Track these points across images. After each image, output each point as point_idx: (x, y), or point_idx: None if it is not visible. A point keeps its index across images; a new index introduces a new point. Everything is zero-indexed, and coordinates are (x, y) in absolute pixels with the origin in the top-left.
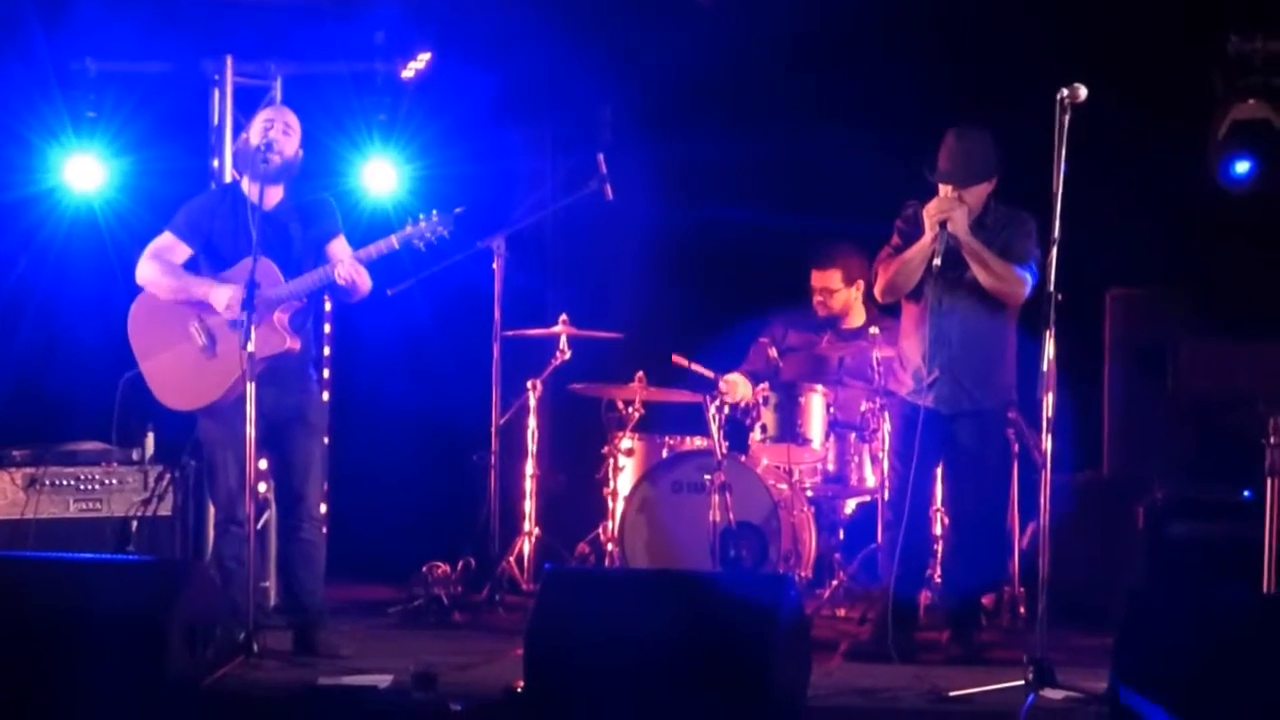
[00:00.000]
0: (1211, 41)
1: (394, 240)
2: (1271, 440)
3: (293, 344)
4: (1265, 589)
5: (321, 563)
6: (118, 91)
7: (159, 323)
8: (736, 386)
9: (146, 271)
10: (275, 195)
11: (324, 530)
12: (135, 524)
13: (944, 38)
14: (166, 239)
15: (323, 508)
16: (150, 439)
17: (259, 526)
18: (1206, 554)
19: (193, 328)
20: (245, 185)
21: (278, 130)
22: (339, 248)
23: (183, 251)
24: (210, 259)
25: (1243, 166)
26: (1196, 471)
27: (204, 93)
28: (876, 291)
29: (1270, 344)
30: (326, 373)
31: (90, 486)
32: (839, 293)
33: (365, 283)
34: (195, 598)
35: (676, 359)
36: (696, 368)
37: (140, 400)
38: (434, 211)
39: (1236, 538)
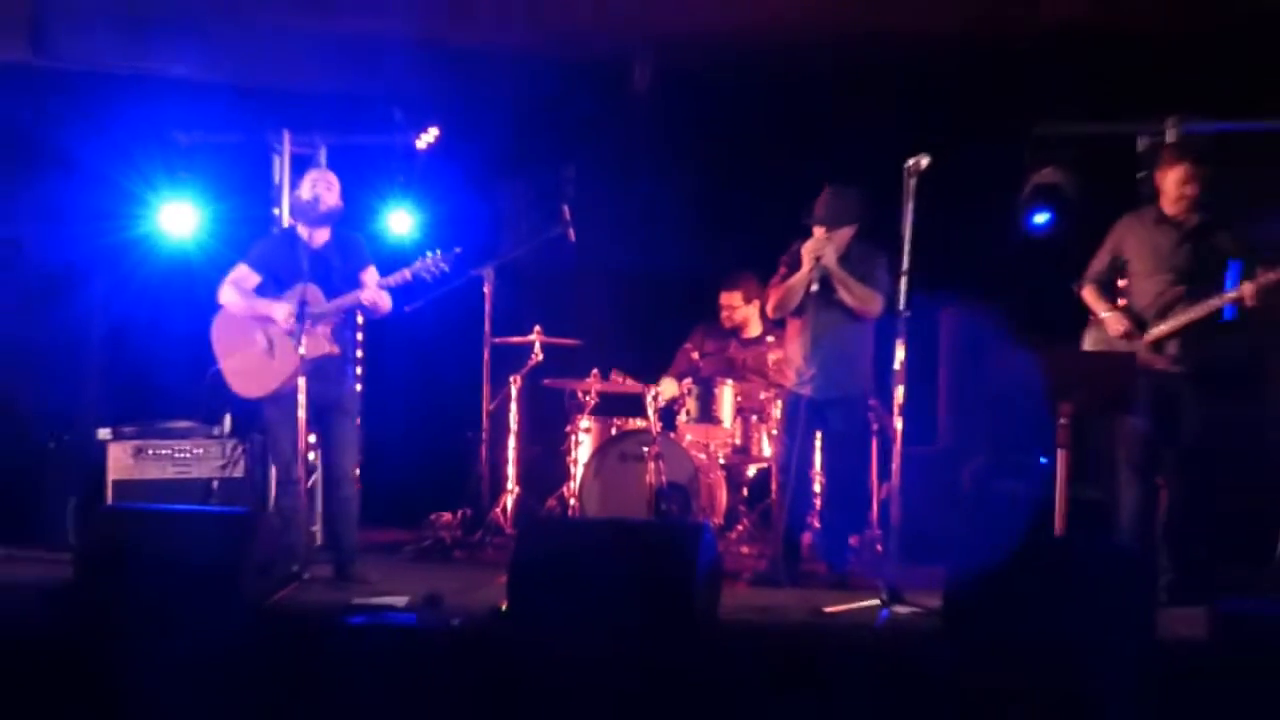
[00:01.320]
0: (1021, 124)
1: (407, 273)
2: (1061, 420)
3: (333, 349)
4: (1056, 532)
5: (355, 514)
6: (203, 157)
7: (233, 332)
8: (665, 391)
9: (226, 294)
10: (322, 236)
11: (357, 489)
12: (216, 484)
13: (824, 119)
14: (241, 269)
15: (355, 472)
16: (228, 419)
17: (308, 485)
18: (1015, 505)
19: (258, 336)
20: (300, 229)
21: (322, 187)
22: (368, 276)
23: (253, 279)
24: (274, 284)
25: (1041, 218)
26: (1008, 444)
27: (266, 158)
28: (768, 310)
29: (1060, 347)
30: (360, 370)
31: (183, 455)
32: (740, 309)
33: (386, 303)
34: (262, 540)
35: (615, 375)
36: (632, 382)
37: (220, 389)
38: (438, 250)
39: (1037, 493)
